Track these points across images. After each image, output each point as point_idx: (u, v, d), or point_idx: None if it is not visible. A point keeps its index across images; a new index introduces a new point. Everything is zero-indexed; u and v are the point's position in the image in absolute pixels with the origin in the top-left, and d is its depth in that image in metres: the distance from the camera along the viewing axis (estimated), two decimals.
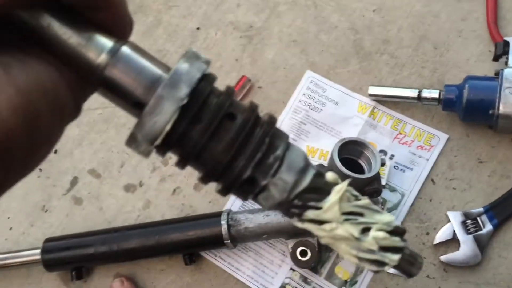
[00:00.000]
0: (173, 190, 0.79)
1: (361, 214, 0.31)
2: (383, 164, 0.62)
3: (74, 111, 0.28)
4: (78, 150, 0.84)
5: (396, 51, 0.80)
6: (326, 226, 0.30)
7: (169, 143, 0.28)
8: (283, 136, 0.31)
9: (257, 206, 0.75)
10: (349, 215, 0.31)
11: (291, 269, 0.71)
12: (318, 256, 0.68)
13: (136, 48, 0.28)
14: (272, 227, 0.67)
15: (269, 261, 0.72)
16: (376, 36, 0.82)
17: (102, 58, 0.27)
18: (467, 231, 0.67)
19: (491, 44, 0.76)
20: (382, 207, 0.65)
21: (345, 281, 0.69)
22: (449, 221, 0.68)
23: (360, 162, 0.64)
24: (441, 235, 0.68)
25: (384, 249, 0.31)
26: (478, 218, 0.68)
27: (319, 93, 0.79)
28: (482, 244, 0.66)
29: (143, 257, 0.73)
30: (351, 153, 0.64)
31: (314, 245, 0.68)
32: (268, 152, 0.29)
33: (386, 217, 0.31)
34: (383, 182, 0.72)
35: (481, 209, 0.68)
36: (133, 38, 0.89)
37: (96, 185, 0.82)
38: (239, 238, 0.69)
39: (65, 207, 0.81)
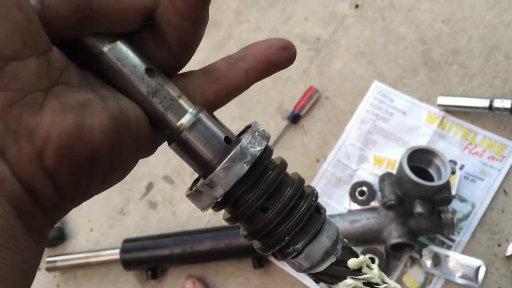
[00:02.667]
0: None
1: None
2: (453, 172, 0.62)
3: (150, 148, 0.32)
4: (153, 158, 0.88)
5: (465, 62, 0.80)
6: None
7: (227, 202, 0.32)
8: (313, 226, 0.33)
9: None
10: None
11: None
12: (386, 264, 0.69)
13: (210, 116, 0.31)
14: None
15: None
16: (445, 47, 0.82)
17: (182, 123, 0.30)
18: None
19: None
20: (452, 216, 0.65)
21: None
22: None
23: (430, 170, 0.65)
24: None
25: None
26: None
27: (387, 103, 0.80)
28: None
29: (215, 259, 0.76)
30: (420, 161, 0.64)
31: (382, 253, 0.68)
32: (290, 243, 0.32)
33: None
34: (453, 192, 0.72)
35: None
36: (206, 51, 0.93)
37: (169, 190, 0.86)
38: None
39: (141, 211, 0.86)
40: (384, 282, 0.34)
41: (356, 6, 0.90)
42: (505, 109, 0.71)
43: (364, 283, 0.33)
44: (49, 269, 0.81)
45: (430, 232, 0.68)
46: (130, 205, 0.87)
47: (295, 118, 0.84)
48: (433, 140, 0.76)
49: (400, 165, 0.62)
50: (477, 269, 0.68)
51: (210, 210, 0.85)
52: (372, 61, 0.85)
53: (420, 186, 0.60)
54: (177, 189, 0.86)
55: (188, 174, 0.86)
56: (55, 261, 0.81)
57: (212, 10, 0.99)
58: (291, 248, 0.32)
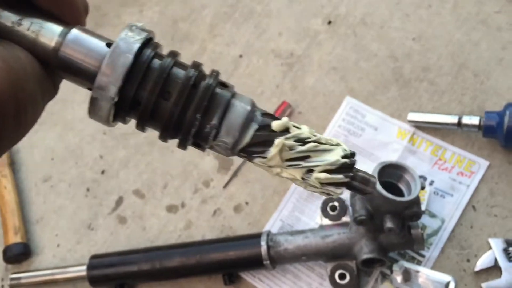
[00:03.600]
0: (213, 212, 0.81)
1: (307, 157, 0.33)
2: (423, 188, 0.62)
3: (52, 89, 0.33)
4: (123, 171, 0.87)
5: (436, 79, 0.81)
6: (273, 170, 0.33)
7: (126, 102, 0.31)
8: (222, 97, 0.33)
9: (295, 228, 0.76)
10: (294, 160, 0.33)
11: None
12: (357, 280, 0.68)
13: (83, 29, 0.32)
14: (311, 249, 0.68)
15: (307, 284, 0.73)
16: (416, 64, 0.83)
17: (54, 42, 0.31)
18: (509, 259, 0.66)
19: None
20: (422, 232, 0.65)
21: None
22: (490, 248, 0.68)
23: (400, 186, 0.65)
24: (483, 262, 0.67)
25: (330, 184, 0.33)
26: None
27: (358, 118, 0.81)
28: None
29: (185, 276, 0.75)
30: (390, 176, 0.65)
31: (353, 269, 0.68)
32: (204, 121, 0.32)
33: (332, 157, 0.33)
34: (423, 207, 0.72)
35: None
36: None
37: (140, 205, 0.85)
38: (278, 259, 0.70)
39: (110, 226, 0.84)
40: (314, 135, 0.34)
41: (329, 22, 0.91)
42: (473, 126, 0.72)
43: (296, 140, 0.33)
44: (12, 286, 0.79)
45: (401, 247, 0.68)
46: (98, 220, 0.85)
47: None
48: (404, 156, 0.76)
49: None
50: (447, 284, 0.68)
51: (181, 225, 0.86)
52: (344, 76, 0.85)
53: (390, 201, 0.60)
54: (148, 204, 0.84)
55: (159, 188, 0.85)
56: (19, 278, 0.78)
57: (187, 24, 0.99)
58: (208, 126, 0.32)
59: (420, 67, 0.82)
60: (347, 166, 0.33)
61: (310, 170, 0.33)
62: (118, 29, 1.03)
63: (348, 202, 0.71)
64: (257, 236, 0.71)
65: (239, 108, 0.32)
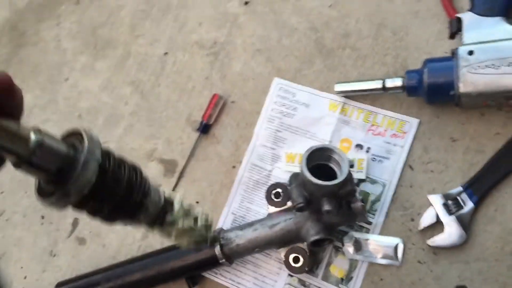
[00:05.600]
0: None
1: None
2: (351, 166, 0.63)
3: None
4: None
5: (356, 43, 0.81)
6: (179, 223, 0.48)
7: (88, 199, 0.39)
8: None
9: (247, 219, 0.78)
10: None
11: (289, 275, 0.74)
12: (311, 260, 0.70)
13: (49, 136, 0.37)
14: (261, 240, 0.70)
15: (267, 271, 0.75)
16: (336, 32, 0.82)
17: (29, 149, 0.35)
18: (449, 212, 0.69)
19: (448, 22, 0.76)
20: (362, 204, 0.67)
21: (341, 279, 0.71)
22: (431, 204, 0.70)
23: (331, 165, 0.66)
24: (425, 219, 0.70)
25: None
26: (458, 198, 0.69)
27: (289, 98, 0.81)
28: (466, 222, 0.68)
29: (148, 287, 0.76)
30: (320, 159, 0.66)
31: (305, 251, 0.70)
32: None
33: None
34: (363, 175, 0.74)
35: (460, 188, 0.69)
36: (107, 73, 0.91)
37: (96, 223, 0.84)
38: (232, 256, 0.71)
39: (71, 249, 0.85)
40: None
41: (246, 3, 0.89)
42: (397, 88, 0.72)
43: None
44: None
45: (344, 223, 0.70)
46: (58, 245, 0.86)
47: (205, 128, 0.83)
48: (338, 128, 0.77)
49: (301, 168, 0.63)
50: (396, 247, 0.70)
51: (138, 236, 0.93)
52: (269, 57, 0.85)
53: (322, 186, 0.61)
54: None
55: None
56: None
57: (106, 29, 0.97)
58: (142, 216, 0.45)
59: (340, 34, 0.82)
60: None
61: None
62: (39, 47, 1.00)
63: None
64: None
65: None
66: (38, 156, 0.35)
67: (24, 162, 0.35)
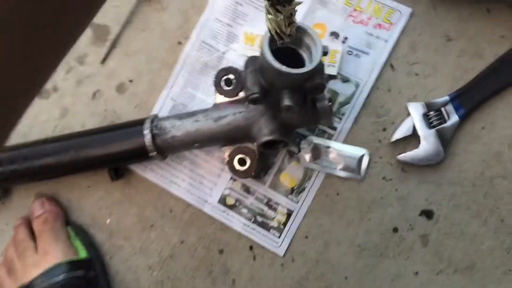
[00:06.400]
0: (92, 94, 0.67)
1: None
2: (325, 54, 0.50)
3: None
4: None
5: None
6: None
7: None
8: None
9: (189, 108, 0.64)
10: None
11: (231, 178, 0.63)
12: (259, 164, 0.59)
13: None
14: (203, 134, 0.57)
15: (206, 171, 0.63)
16: None
17: None
18: (430, 125, 0.58)
19: None
20: (329, 104, 0.54)
21: (292, 189, 0.61)
22: (409, 114, 0.59)
23: (300, 51, 0.52)
24: (400, 130, 0.59)
25: None
26: (442, 109, 0.58)
27: None
28: (446, 138, 0.57)
29: (60, 175, 0.64)
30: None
31: (253, 152, 0.58)
32: None
33: None
34: (335, 71, 0.61)
35: (446, 98, 0.58)
36: None
37: None
38: (166, 149, 0.59)
39: None
40: None
41: None
42: None
43: None
44: None
45: (305, 124, 0.58)
46: None
47: None
48: (313, 9, 0.63)
49: (261, 49, 0.49)
50: (360, 159, 0.60)
51: (55, 114, 0.75)
52: None
53: (285, 74, 0.48)
54: None
55: None
56: None
57: None
58: None
59: None
60: None
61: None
62: None
63: None
64: (140, 123, 0.59)
65: None
66: None
67: None
